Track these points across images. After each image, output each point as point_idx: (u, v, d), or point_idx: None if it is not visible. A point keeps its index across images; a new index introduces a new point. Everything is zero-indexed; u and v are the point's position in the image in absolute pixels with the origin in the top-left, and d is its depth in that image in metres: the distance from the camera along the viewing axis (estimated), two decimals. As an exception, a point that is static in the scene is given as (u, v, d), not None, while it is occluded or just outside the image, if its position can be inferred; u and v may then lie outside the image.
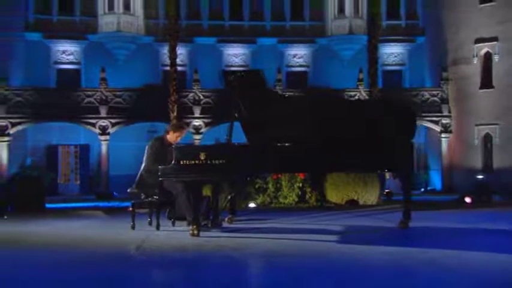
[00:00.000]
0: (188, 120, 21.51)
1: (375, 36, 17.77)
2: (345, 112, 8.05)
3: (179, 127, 8.45)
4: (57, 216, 11.23)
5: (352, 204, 13.65)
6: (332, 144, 7.49)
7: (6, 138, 20.89)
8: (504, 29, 20.34)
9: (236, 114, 7.90)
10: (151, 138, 8.81)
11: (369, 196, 14.57)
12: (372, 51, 17.78)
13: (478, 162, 21.42)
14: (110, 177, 21.07)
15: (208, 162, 7.12)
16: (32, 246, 6.86)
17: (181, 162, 7.15)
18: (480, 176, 19.89)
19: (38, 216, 10.90)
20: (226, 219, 8.54)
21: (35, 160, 22.66)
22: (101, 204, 15.97)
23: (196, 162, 7.13)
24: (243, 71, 9.02)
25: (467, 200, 13.15)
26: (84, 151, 23.56)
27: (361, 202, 14.17)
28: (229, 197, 8.93)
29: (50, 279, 4.72)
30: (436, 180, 23.94)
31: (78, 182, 23.74)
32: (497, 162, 20.83)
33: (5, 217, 10.87)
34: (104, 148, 21.63)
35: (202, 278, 4.75)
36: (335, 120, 7.75)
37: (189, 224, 7.39)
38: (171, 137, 8.06)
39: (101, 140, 21.57)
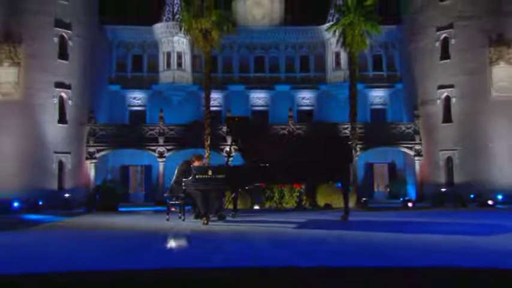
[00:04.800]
0: (222, 147, 23.33)
1: (354, 86, 19.18)
2: (305, 144, 9.71)
3: (199, 157, 10.33)
4: (124, 214, 13.25)
5: (327, 207, 14.88)
6: (296, 165, 9.13)
7: (93, 161, 22.90)
8: (458, 79, 21.42)
9: (236, 147, 9.67)
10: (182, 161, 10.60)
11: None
12: (353, 97, 19.14)
13: (442, 178, 22.20)
14: (165, 189, 22.45)
15: (214, 176, 8.91)
16: (104, 228, 8.81)
17: (197, 177, 8.96)
18: (443, 189, 20.80)
19: (112, 215, 12.91)
20: (230, 215, 10.17)
21: (113, 176, 24.81)
22: (158, 208, 17.74)
23: (206, 176, 8.94)
24: (237, 117, 10.68)
25: (409, 204, 14.26)
26: (147, 170, 25.40)
27: (339, 206, 15.39)
28: (230, 199, 10.57)
29: (110, 244, 6.62)
30: (411, 192, 24.82)
31: (143, 192, 25.47)
32: (456, 178, 21.61)
33: (90, 214, 12.93)
34: (161, 167, 23.29)
35: (199, 244, 6.52)
36: (298, 150, 9.41)
37: (202, 217, 9.12)
38: (195, 163, 9.89)
39: (159, 162, 23.30)
